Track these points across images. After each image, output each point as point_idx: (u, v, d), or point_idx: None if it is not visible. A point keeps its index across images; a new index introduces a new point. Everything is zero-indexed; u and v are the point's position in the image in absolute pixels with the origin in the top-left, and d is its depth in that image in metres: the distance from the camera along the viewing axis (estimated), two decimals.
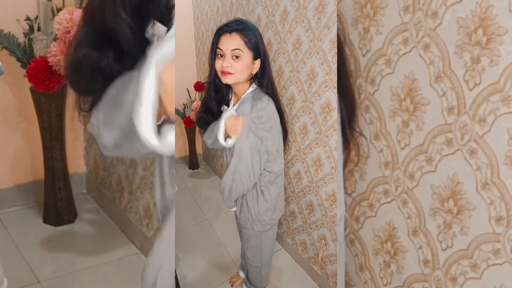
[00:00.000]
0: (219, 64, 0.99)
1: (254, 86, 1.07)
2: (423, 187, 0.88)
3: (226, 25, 1.00)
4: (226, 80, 1.00)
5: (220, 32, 0.99)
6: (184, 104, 3.08)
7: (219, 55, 1.00)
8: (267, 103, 1.01)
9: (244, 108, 1.01)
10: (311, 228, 1.73)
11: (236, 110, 1.04)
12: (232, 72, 0.97)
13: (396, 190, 0.95)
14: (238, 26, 0.98)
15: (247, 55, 0.98)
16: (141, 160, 1.71)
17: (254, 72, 1.03)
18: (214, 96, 1.07)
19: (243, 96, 1.05)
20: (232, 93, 1.12)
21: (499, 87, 0.72)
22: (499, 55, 0.71)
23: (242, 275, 1.70)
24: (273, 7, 1.77)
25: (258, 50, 1.02)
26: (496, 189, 0.74)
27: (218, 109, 1.09)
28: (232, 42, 0.96)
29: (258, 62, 1.03)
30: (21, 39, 1.72)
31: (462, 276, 0.82)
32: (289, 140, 1.74)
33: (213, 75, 1.03)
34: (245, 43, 0.97)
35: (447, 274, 0.85)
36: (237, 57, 0.97)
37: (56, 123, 1.83)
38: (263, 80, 1.06)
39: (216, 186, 2.89)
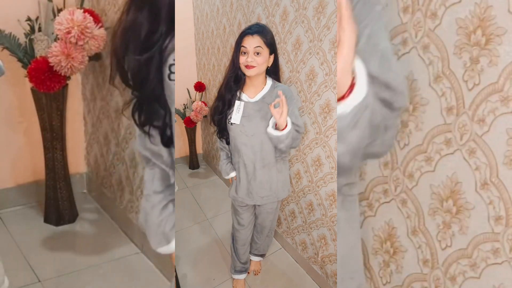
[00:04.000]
0: (243, 60, 1.20)
1: (270, 79, 1.31)
2: (423, 187, 0.88)
3: (248, 28, 1.21)
4: (250, 72, 1.20)
5: (243, 34, 1.20)
6: (184, 104, 3.08)
7: (242, 53, 1.20)
8: (282, 85, 1.32)
9: (272, 96, 1.27)
10: (311, 228, 1.73)
11: (261, 98, 1.28)
12: (255, 66, 1.19)
13: (395, 189, 0.95)
14: (258, 29, 1.19)
15: (265, 51, 1.20)
16: (142, 160, 1.71)
17: (270, 64, 1.26)
18: (233, 86, 1.27)
19: (264, 88, 1.28)
20: (243, 86, 1.31)
21: (498, 87, 0.72)
22: (498, 55, 0.71)
23: (240, 277, 1.70)
24: (273, 8, 1.77)
25: (273, 47, 1.24)
26: (495, 189, 0.74)
27: (232, 99, 1.28)
28: (254, 41, 1.18)
29: (272, 57, 1.25)
30: (22, 39, 1.72)
31: (461, 276, 0.82)
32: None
33: (237, 69, 1.23)
34: (264, 42, 1.19)
35: (446, 274, 0.85)
36: (258, 53, 1.19)
37: (57, 123, 1.84)
38: (275, 72, 1.32)
39: (216, 185, 2.90)
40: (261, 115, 1.26)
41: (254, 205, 1.53)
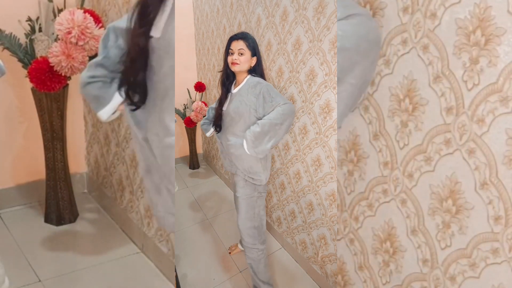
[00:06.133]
0: (230, 59, 1.46)
1: (249, 76, 1.51)
2: (422, 186, 0.89)
3: (234, 34, 1.49)
4: (234, 68, 1.46)
5: (230, 39, 1.49)
6: (184, 104, 3.08)
7: (230, 53, 1.47)
8: (254, 77, 1.51)
9: (244, 88, 1.48)
10: (311, 228, 1.74)
11: (237, 91, 1.50)
12: (238, 63, 1.44)
13: (395, 189, 0.96)
14: (242, 35, 1.48)
15: (247, 52, 1.45)
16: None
17: (252, 65, 1.49)
18: (225, 81, 1.56)
19: (242, 82, 1.51)
20: (235, 80, 1.56)
21: (497, 88, 0.72)
22: (498, 55, 0.71)
23: (240, 247, 1.88)
24: (273, 8, 1.77)
25: (254, 50, 1.48)
26: (494, 189, 0.75)
27: (227, 92, 1.56)
28: (238, 44, 1.45)
29: (254, 58, 1.49)
30: (23, 39, 1.73)
31: (460, 275, 0.82)
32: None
33: (227, 68, 1.51)
34: (246, 45, 1.45)
35: (445, 273, 0.86)
36: (241, 54, 1.45)
37: (57, 123, 1.84)
38: (256, 71, 1.52)
39: (216, 185, 2.90)
40: (238, 100, 1.48)
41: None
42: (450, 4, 0.78)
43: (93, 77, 1.00)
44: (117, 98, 1.01)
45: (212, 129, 1.65)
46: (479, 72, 0.75)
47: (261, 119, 1.43)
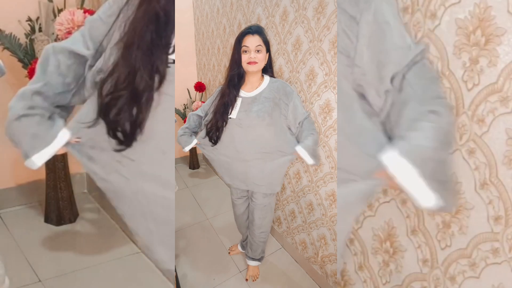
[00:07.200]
0: (245, 57, 1.28)
1: (267, 76, 1.38)
2: None
3: (249, 28, 1.30)
4: (252, 68, 1.28)
5: (244, 33, 1.29)
6: (184, 104, 3.08)
7: (244, 51, 1.28)
8: (277, 80, 1.40)
9: (271, 91, 1.34)
10: (311, 228, 1.74)
11: (258, 93, 1.33)
12: (257, 62, 1.27)
13: (395, 189, 0.96)
14: (258, 29, 1.30)
15: (264, 49, 1.30)
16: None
17: (265, 62, 1.33)
18: (237, 83, 1.34)
19: (262, 84, 1.35)
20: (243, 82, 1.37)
21: (497, 88, 0.72)
22: (498, 55, 0.71)
23: (240, 249, 1.90)
24: (273, 8, 1.77)
25: (268, 46, 1.33)
26: (494, 189, 0.75)
27: (237, 95, 1.35)
28: (255, 40, 1.27)
29: (267, 55, 1.34)
30: (23, 39, 1.72)
31: (460, 275, 0.82)
32: None
33: (240, 67, 1.31)
34: (262, 40, 1.29)
35: (445, 273, 0.86)
36: (258, 51, 1.28)
37: None
38: (271, 69, 1.40)
39: (216, 185, 2.90)
40: (268, 106, 1.31)
41: (248, 198, 1.63)
42: (450, 4, 0.78)
43: (31, 108, 0.76)
44: (62, 139, 0.78)
45: (194, 142, 1.44)
46: (479, 72, 0.75)
47: (288, 126, 1.39)
